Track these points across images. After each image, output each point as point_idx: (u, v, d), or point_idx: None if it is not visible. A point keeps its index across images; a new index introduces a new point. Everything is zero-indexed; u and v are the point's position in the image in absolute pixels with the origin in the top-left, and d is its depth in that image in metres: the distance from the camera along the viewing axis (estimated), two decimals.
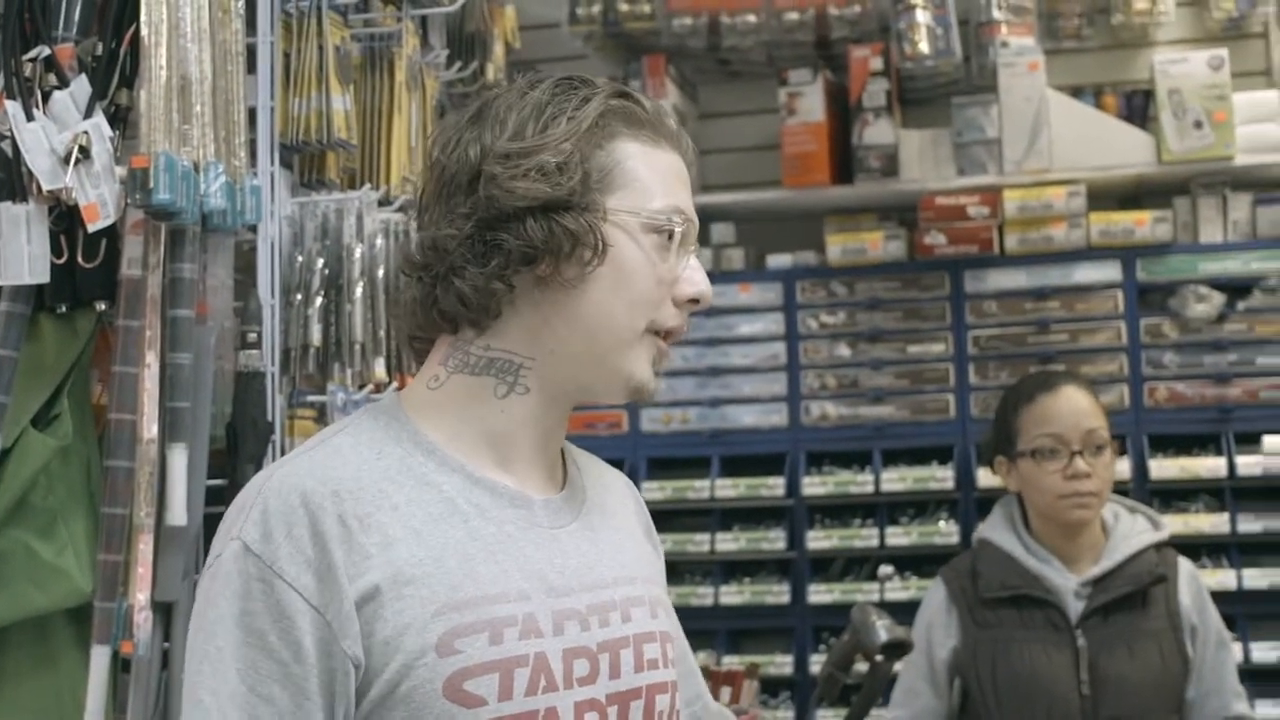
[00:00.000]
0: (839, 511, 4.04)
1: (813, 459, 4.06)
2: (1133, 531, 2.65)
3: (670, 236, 1.38)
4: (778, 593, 4.00)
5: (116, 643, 2.00)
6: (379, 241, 2.38)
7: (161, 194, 1.97)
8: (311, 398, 2.29)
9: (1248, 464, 3.76)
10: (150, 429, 2.03)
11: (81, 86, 2.05)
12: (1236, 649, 3.10)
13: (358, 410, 1.48)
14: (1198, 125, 3.85)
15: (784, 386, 4.10)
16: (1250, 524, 3.76)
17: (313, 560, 1.25)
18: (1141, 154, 3.93)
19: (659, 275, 1.38)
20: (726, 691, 3.02)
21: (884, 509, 3.99)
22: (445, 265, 1.35)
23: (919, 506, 4.01)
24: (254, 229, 2.28)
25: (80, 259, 2.06)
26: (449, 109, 2.92)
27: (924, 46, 3.89)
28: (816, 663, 3.83)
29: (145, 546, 2.02)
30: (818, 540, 3.98)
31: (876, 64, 4.07)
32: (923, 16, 3.88)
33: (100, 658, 2.00)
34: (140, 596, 2.00)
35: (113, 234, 2.07)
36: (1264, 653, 3.68)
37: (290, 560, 1.24)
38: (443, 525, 1.31)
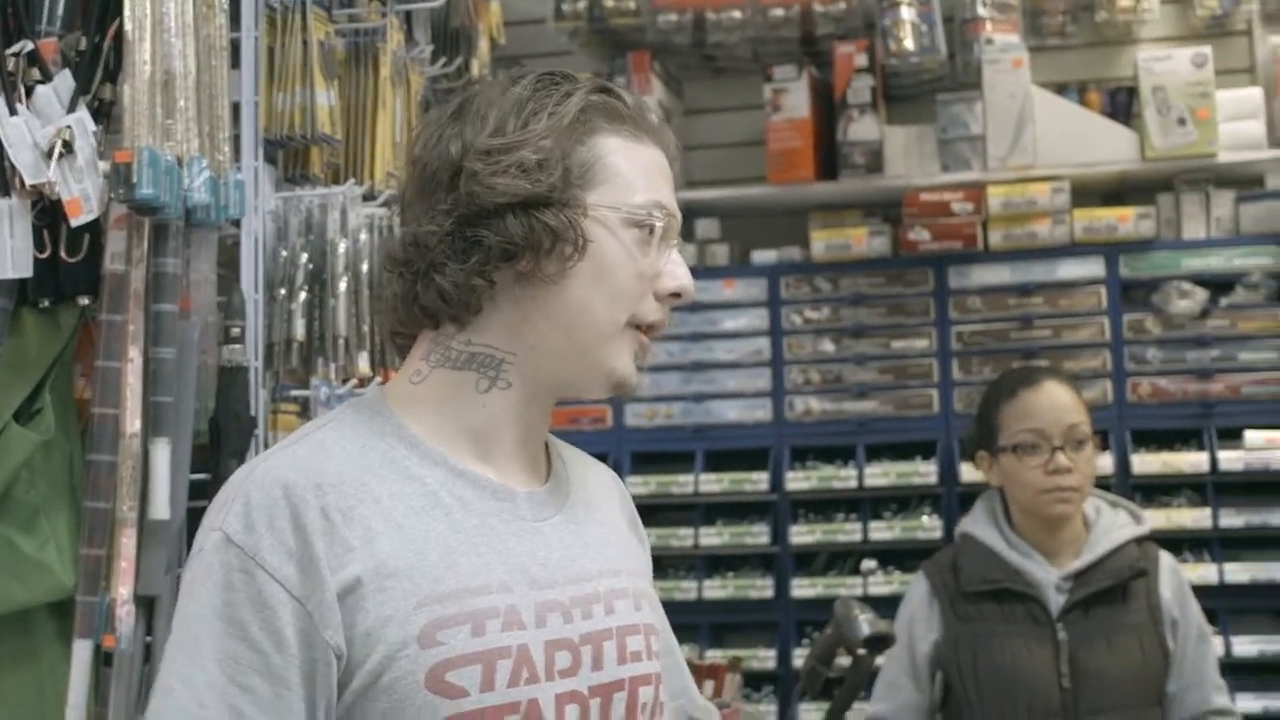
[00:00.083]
0: (822, 506, 4.05)
1: (796, 454, 4.07)
2: (1114, 526, 2.66)
3: (651, 231, 1.38)
4: (761, 587, 4.01)
5: (99, 637, 1.99)
6: (363, 236, 2.38)
7: (145, 189, 1.96)
8: (295, 392, 2.29)
9: (1230, 459, 3.78)
10: (133, 423, 2.02)
11: (65, 81, 2.04)
12: (1217, 643, 3.11)
13: (341, 405, 1.48)
14: (1181, 122, 3.87)
15: (768, 382, 4.11)
16: (1232, 519, 3.78)
17: (294, 552, 1.25)
18: (1125, 151, 3.95)
19: (640, 270, 1.38)
20: (709, 685, 3.01)
21: (867, 504, 4.00)
22: (426, 261, 1.35)
23: (902, 501, 4.02)
24: (238, 224, 2.28)
25: (63, 254, 2.05)
26: (433, 104, 2.91)
27: (909, 43, 3.91)
28: (799, 657, 3.85)
29: (128, 541, 2.01)
30: (801, 535, 3.99)
31: (861, 60, 4.07)
32: (907, 13, 3.90)
33: (82, 652, 1.99)
34: (123, 591, 2.00)
35: (96, 229, 2.05)
36: (1245, 647, 3.70)
37: (272, 551, 1.25)
38: (425, 518, 1.31)
